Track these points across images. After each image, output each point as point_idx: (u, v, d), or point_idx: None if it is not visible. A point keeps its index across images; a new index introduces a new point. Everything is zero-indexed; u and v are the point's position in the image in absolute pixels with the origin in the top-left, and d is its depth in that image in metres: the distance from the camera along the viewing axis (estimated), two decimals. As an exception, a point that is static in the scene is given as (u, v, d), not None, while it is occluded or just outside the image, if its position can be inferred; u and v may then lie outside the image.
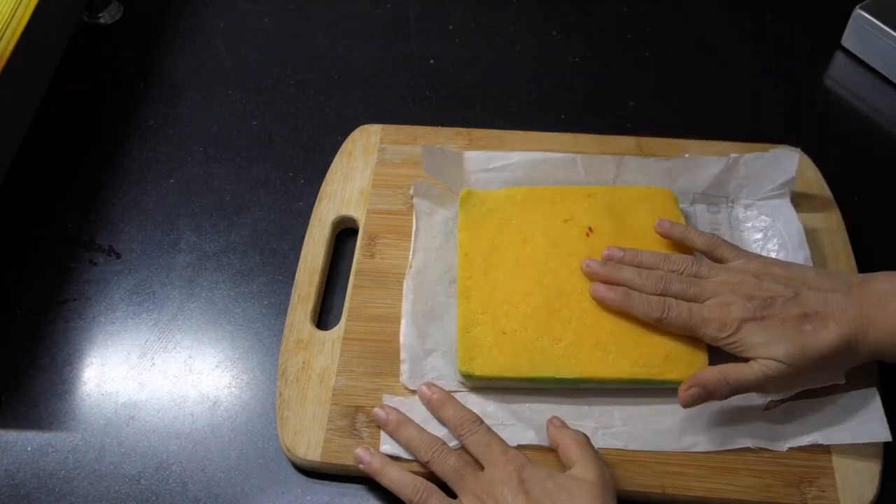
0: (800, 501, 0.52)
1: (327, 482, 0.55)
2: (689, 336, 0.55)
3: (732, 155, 0.64)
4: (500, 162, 0.66)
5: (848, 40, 0.78)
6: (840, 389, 0.54)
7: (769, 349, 0.52)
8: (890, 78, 0.76)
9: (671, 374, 0.54)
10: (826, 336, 0.51)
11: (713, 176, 0.64)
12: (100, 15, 0.83)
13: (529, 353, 0.56)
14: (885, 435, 0.52)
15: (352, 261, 0.63)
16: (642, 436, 0.54)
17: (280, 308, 0.63)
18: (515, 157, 0.66)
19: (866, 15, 0.75)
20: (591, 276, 0.58)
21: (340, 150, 0.70)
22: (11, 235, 0.68)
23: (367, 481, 0.54)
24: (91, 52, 0.81)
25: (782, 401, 0.54)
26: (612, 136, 0.69)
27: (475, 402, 0.55)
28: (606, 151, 0.68)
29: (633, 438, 0.54)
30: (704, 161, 0.65)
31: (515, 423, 0.54)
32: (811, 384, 0.53)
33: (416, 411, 0.55)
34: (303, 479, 0.55)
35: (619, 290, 0.56)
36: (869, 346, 0.51)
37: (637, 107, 0.75)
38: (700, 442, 0.54)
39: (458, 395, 0.56)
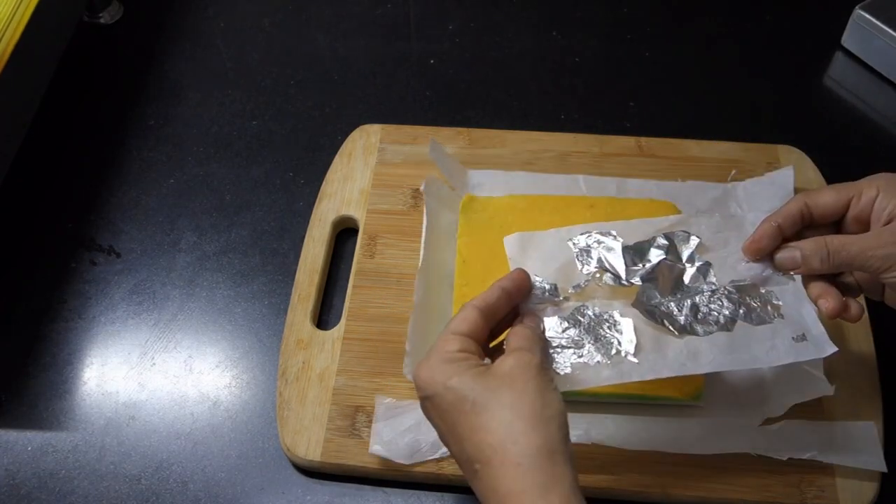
0: (800, 501, 0.52)
1: (327, 482, 0.55)
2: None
3: (731, 182, 0.65)
4: (503, 179, 0.66)
5: (848, 40, 0.78)
6: (839, 418, 0.54)
7: None
8: (890, 78, 0.76)
9: (667, 391, 0.53)
10: None
11: (712, 199, 0.64)
12: (100, 15, 0.83)
13: None
14: (880, 466, 0.52)
15: (352, 261, 0.63)
16: (638, 437, 0.53)
17: (280, 308, 0.63)
18: (518, 176, 0.66)
19: (866, 15, 0.75)
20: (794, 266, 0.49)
21: (340, 150, 0.70)
22: (11, 235, 0.68)
23: (367, 481, 0.55)
24: (91, 52, 0.81)
25: (779, 418, 0.53)
26: (612, 136, 0.69)
27: None
28: (606, 151, 0.68)
29: (627, 441, 0.53)
30: (704, 186, 0.65)
31: None
32: None
33: (408, 416, 0.54)
34: (303, 479, 0.55)
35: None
36: None
37: (637, 107, 0.75)
38: (696, 447, 0.53)
39: None
